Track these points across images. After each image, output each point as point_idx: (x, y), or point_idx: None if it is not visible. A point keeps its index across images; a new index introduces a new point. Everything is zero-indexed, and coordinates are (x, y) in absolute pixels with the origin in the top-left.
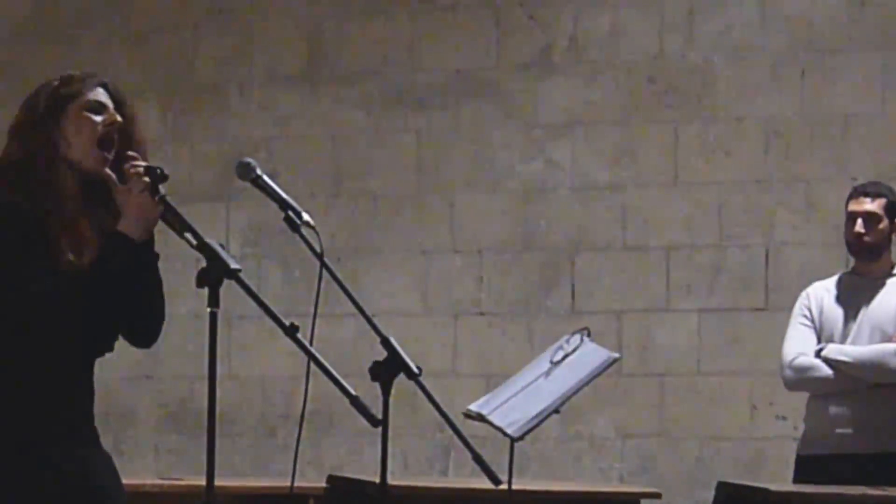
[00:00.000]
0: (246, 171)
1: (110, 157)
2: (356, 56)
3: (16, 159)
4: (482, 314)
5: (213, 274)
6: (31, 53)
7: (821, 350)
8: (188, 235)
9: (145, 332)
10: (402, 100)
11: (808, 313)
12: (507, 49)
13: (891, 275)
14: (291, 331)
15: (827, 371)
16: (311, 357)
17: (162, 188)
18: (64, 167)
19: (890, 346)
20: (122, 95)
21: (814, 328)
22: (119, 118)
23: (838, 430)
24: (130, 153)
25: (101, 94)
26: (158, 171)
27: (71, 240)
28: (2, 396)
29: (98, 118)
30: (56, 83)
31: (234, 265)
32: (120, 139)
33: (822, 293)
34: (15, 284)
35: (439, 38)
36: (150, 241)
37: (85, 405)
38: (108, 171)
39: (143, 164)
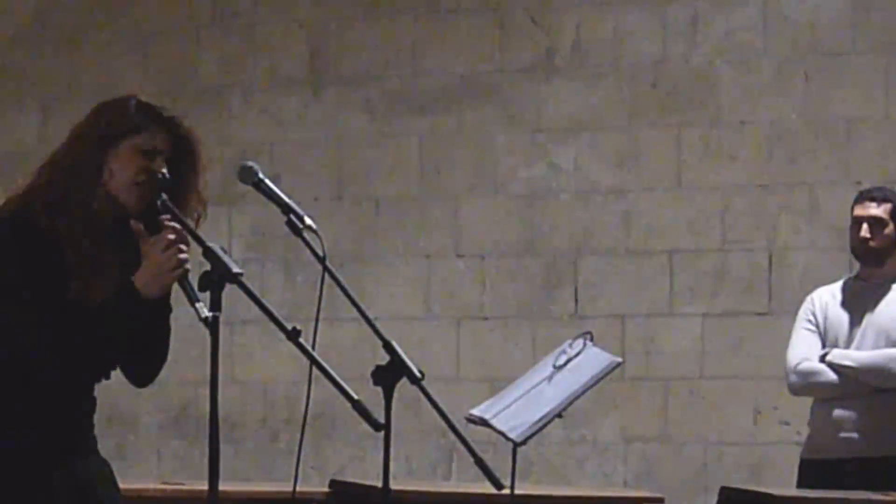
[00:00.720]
0: (248, 175)
1: (143, 198)
2: (359, 60)
3: (63, 165)
4: (485, 318)
5: (216, 278)
6: (33, 57)
7: (825, 355)
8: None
9: (141, 375)
10: (405, 104)
11: (812, 318)
12: (511, 53)
13: None
14: (294, 335)
15: (832, 376)
16: (314, 361)
17: (164, 193)
18: (101, 195)
19: (895, 351)
20: (193, 146)
21: (818, 333)
22: (166, 173)
23: (843, 434)
24: (168, 223)
25: (162, 142)
26: (161, 175)
27: (85, 273)
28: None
29: (147, 161)
30: (129, 104)
31: (236, 269)
32: (174, 189)
33: (826, 298)
34: (16, 312)
35: (442, 42)
36: (163, 299)
37: (83, 419)
38: (135, 222)
39: (177, 225)
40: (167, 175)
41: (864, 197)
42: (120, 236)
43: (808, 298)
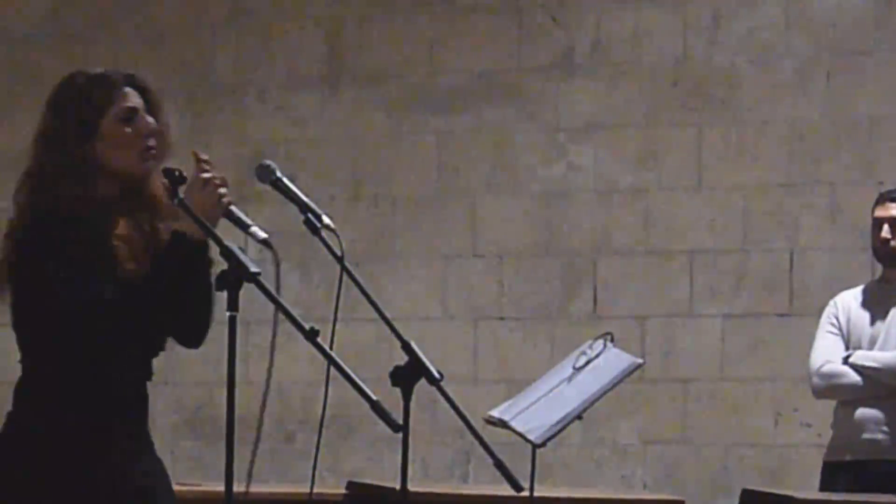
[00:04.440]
0: (266, 174)
1: (156, 161)
2: (376, 58)
3: (49, 170)
4: (503, 319)
5: (233, 277)
6: (48, 54)
7: (848, 357)
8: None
9: (195, 331)
10: (422, 102)
11: (835, 321)
12: (529, 51)
13: None
14: (311, 335)
15: (855, 377)
16: (332, 361)
17: (181, 191)
18: (103, 178)
19: None
20: (145, 84)
21: (841, 336)
22: (154, 124)
23: (866, 436)
24: (201, 156)
25: (131, 97)
26: (177, 173)
27: (126, 248)
28: (57, 403)
29: (135, 126)
30: (82, 86)
31: (253, 268)
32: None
33: (849, 301)
34: (80, 294)
35: (460, 40)
36: (206, 243)
37: (141, 412)
38: (163, 181)
39: (208, 161)
40: (183, 174)
41: (885, 198)
42: (133, 204)
43: (832, 302)
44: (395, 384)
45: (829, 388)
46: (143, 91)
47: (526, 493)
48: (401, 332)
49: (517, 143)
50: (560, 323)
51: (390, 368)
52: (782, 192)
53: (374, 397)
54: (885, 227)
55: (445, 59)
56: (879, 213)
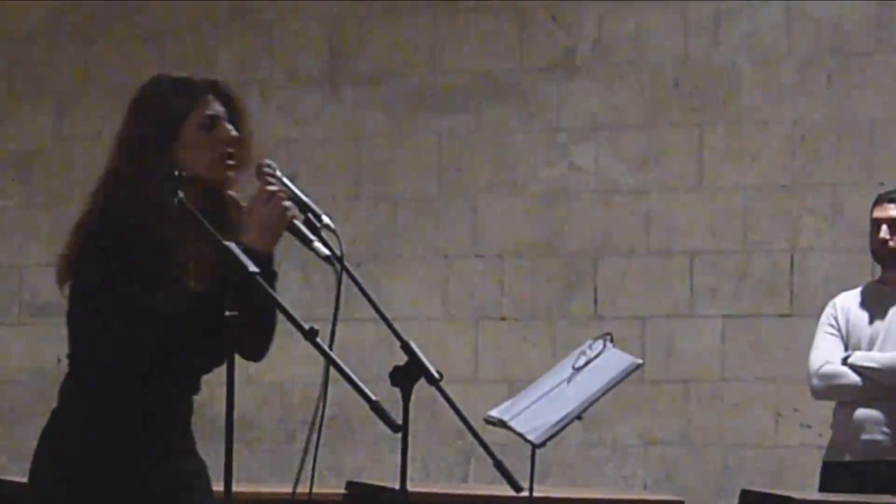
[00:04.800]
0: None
1: (234, 167)
2: (377, 58)
3: (128, 174)
4: (504, 319)
5: (232, 276)
6: (49, 53)
7: (847, 357)
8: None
9: (259, 346)
10: (423, 102)
11: (834, 322)
12: (530, 51)
13: None
14: (311, 335)
15: (854, 378)
16: (331, 361)
17: (180, 192)
18: (182, 185)
19: None
20: (229, 92)
21: (840, 337)
22: (234, 133)
23: (865, 437)
24: (266, 169)
25: (213, 105)
26: (177, 172)
27: (193, 263)
28: (108, 410)
29: (215, 133)
30: (164, 90)
31: (252, 268)
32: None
33: (848, 303)
34: (136, 306)
35: (461, 40)
36: (272, 257)
37: (187, 418)
38: (232, 193)
39: (274, 174)
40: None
41: (883, 199)
42: (208, 210)
43: (831, 304)
44: (394, 384)
45: (828, 388)
46: (226, 98)
47: (525, 494)
48: (401, 332)
49: (518, 144)
50: (561, 323)
51: (390, 369)
52: (783, 192)
53: (373, 397)
54: (884, 227)
55: (447, 59)
56: (878, 213)
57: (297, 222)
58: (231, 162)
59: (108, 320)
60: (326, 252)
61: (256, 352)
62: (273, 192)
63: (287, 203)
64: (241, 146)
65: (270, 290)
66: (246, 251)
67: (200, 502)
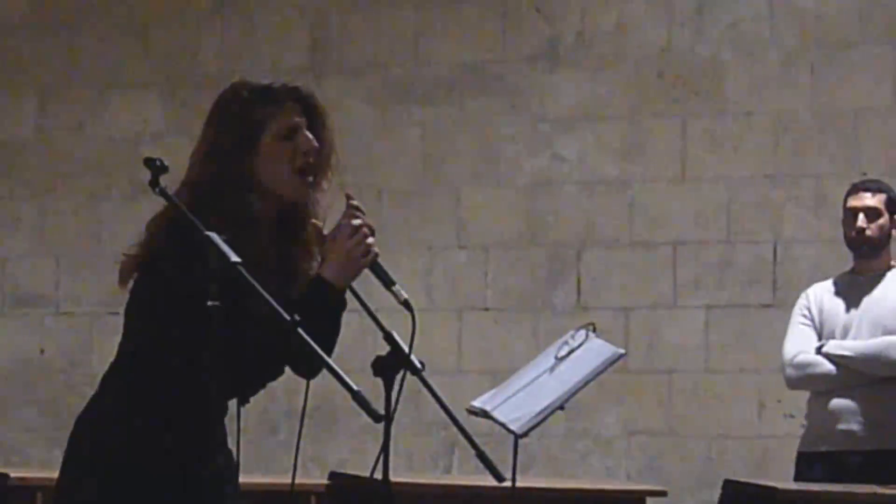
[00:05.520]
0: None
1: (312, 182)
2: (361, 49)
3: (206, 183)
4: (487, 310)
5: (214, 266)
6: (32, 44)
7: (822, 347)
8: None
9: (314, 368)
10: (407, 93)
11: (807, 313)
12: (514, 42)
13: (889, 269)
14: (293, 325)
15: (829, 367)
16: (313, 352)
17: (163, 181)
18: (260, 197)
19: (891, 339)
20: (311, 99)
21: (813, 327)
22: (315, 143)
23: (841, 426)
24: (352, 202)
25: (295, 114)
26: (158, 162)
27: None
28: (157, 406)
29: (294, 144)
30: (245, 99)
31: (234, 258)
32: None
33: (821, 293)
34: (237, 343)
35: (445, 31)
36: (344, 291)
37: (226, 413)
38: (316, 223)
39: (360, 208)
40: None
41: (857, 188)
42: (284, 227)
43: (803, 295)
44: (376, 375)
45: (802, 378)
46: (308, 106)
47: (508, 484)
48: (385, 322)
49: (502, 135)
50: (544, 314)
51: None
52: (767, 183)
53: (355, 388)
54: (860, 216)
55: (430, 50)
56: (853, 203)
57: (380, 261)
58: (309, 177)
59: (162, 333)
60: (405, 296)
61: (311, 371)
62: (358, 227)
63: (371, 240)
64: (320, 156)
65: (252, 281)
66: (322, 284)
67: (232, 496)
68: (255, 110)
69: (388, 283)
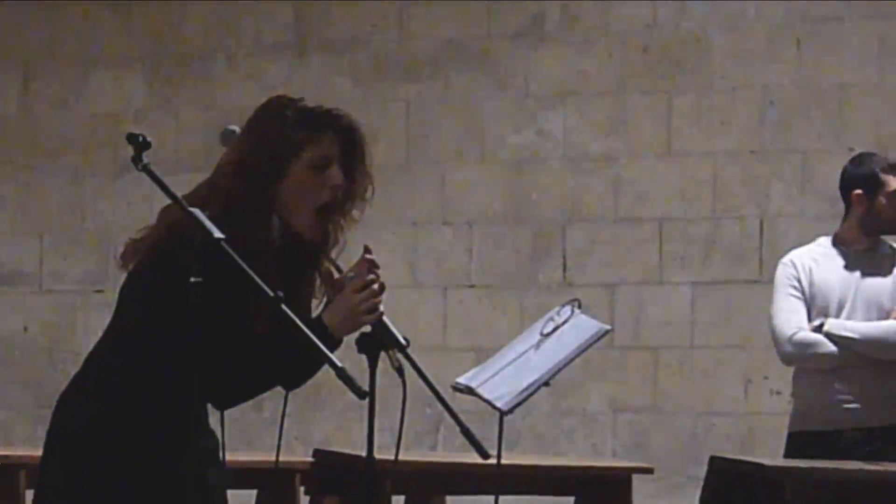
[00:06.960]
0: (230, 138)
1: (328, 224)
2: (345, 24)
3: (234, 197)
4: (472, 287)
5: (198, 243)
6: (16, 18)
7: (821, 325)
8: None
9: (296, 382)
10: (391, 69)
11: (797, 284)
12: (499, 18)
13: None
14: (277, 301)
15: (831, 347)
16: (297, 328)
17: (145, 157)
18: (276, 225)
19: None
20: (353, 130)
21: (804, 300)
22: (341, 180)
23: (832, 405)
24: (368, 255)
25: (333, 145)
26: (141, 138)
27: (257, 309)
28: (140, 389)
29: (323, 177)
30: (286, 120)
31: (217, 234)
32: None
33: (807, 263)
34: (226, 363)
35: (429, 7)
36: (341, 340)
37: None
38: (327, 266)
39: (375, 263)
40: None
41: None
42: (288, 257)
43: (787, 262)
44: (361, 351)
45: (803, 356)
46: (348, 137)
47: (493, 461)
48: None
49: (486, 111)
50: (529, 291)
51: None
52: (752, 159)
53: (339, 364)
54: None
55: (414, 25)
56: None
57: (385, 319)
58: (326, 215)
59: (163, 341)
60: (399, 364)
61: (292, 385)
62: (369, 283)
63: (378, 299)
64: (347, 193)
65: (236, 257)
66: (321, 327)
67: (217, 477)
68: (295, 133)
69: (387, 344)
